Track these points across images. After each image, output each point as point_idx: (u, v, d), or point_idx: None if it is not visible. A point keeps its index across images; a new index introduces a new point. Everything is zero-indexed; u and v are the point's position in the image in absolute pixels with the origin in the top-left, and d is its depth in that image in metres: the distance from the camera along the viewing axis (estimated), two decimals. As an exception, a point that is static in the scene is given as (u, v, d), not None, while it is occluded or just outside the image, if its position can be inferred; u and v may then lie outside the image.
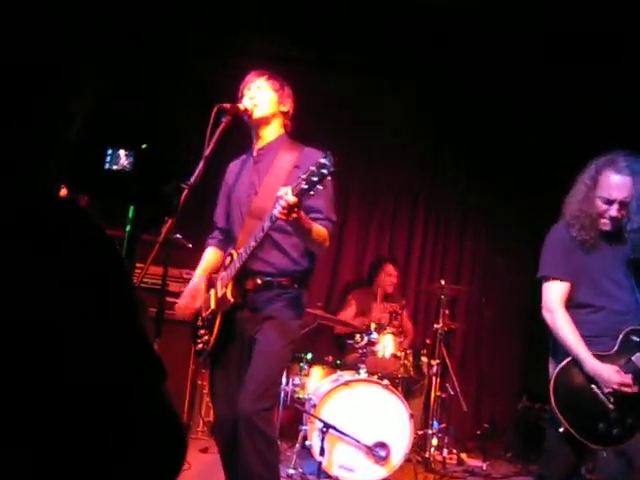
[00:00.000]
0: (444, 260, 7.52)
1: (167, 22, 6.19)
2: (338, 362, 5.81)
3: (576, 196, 3.31)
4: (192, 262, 3.77)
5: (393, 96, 7.21)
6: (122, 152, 2.36)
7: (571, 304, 3.26)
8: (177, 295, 5.74)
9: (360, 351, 5.50)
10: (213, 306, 3.37)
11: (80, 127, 1.22)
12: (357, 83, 7.11)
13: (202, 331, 3.41)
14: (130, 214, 2.42)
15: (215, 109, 3.22)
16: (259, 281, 3.29)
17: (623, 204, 3.20)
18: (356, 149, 7.30)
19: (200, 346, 3.41)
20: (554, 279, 3.27)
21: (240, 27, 6.47)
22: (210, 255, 3.66)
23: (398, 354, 5.65)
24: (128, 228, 2.39)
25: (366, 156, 7.37)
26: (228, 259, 3.37)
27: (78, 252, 1.05)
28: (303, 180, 2.79)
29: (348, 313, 6.52)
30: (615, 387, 3.06)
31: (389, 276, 6.65)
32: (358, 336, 5.61)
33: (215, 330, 3.32)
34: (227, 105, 3.28)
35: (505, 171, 7.40)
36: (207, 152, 3.16)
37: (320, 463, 4.88)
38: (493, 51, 6.44)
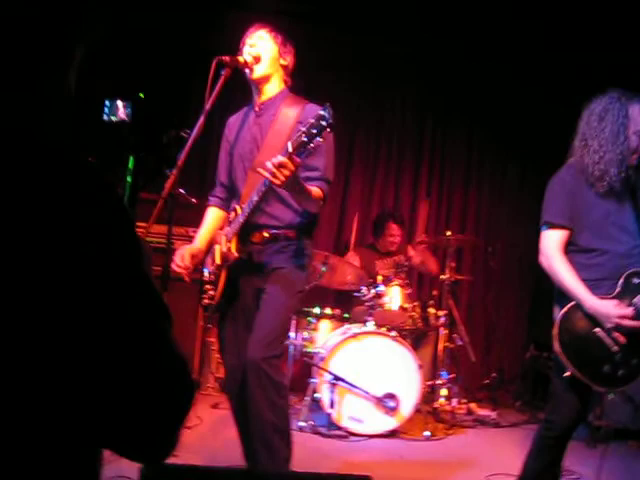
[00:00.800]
0: (449, 212, 7.48)
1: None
2: (346, 315, 5.83)
3: (610, 139, 3.14)
4: (196, 219, 3.75)
5: (396, 50, 7.14)
6: (120, 103, 2.33)
7: (575, 249, 3.19)
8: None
9: (367, 304, 5.52)
10: (218, 261, 3.37)
11: (77, 78, 1.21)
12: (360, 38, 7.03)
13: (208, 286, 3.41)
14: (130, 165, 2.41)
15: (214, 62, 3.18)
16: (266, 234, 3.30)
17: None
18: (360, 106, 7.27)
19: (206, 301, 3.42)
20: (554, 227, 3.20)
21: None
22: (211, 217, 3.63)
23: (405, 306, 5.66)
24: (129, 179, 2.37)
25: (369, 112, 7.32)
26: (232, 214, 3.36)
27: (82, 201, 1.05)
28: (303, 133, 2.78)
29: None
30: (616, 321, 3.00)
31: (391, 236, 6.54)
32: (365, 289, 5.61)
33: (220, 285, 3.34)
34: (227, 58, 3.23)
35: (509, 122, 7.34)
36: (207, 106, 3.12)
37: (330, 415, 4.94)
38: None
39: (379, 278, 5.63)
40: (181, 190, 4.06)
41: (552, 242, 3.18)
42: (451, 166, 7.51)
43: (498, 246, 7.15)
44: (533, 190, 7.48)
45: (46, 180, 1.02)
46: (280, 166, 2.80)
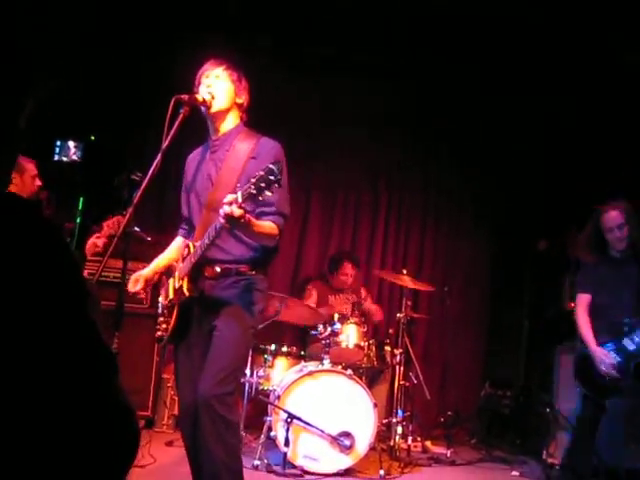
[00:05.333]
0: (406, 250, 7.53)
1: (127, 10, 6.11)
2: (302, 353, 5.82)
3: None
4: (152, 255, 3.75)
5: (353, 91, 7.25)
6: (71, 143, 2.33)
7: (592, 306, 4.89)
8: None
9: (323, 341, 5.52)
10: (171, 296, 3.37)
11: (28, 119, 1.21)
12: (319, 75, 7.12)
13: (161, 319, 3.43)
14: (80, 206, 2.41)
15: (173, 100, 3.20)
16: (218, 269, 3.30)
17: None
18: (318, 142, 7.31)
19: (159, 333, 3.44)
20: (579, 292, 4.95)
21: (199, 17, 6.42)
22: (174, 245, 3.68)
23: (361, 344, 5.66)
24: (78, 220, 2.37)
25: (328, 149, 7.36)
26: (186, 251, 3.37)
27: (23, 246, 1.04)
28: (252, 184, 2.81)
29: (309, 303, 6.51)
30: (597, 362, 4.66)
31: (344, 275, 6.63)
32: (321, 326, 5.62)
33: (173, 319, 3.34)
34: (185, 96, 3.26)
35: (466, 162, 7.46)
36: (165, 144, 3.13)
37: (285, 454, 4.90)
38: (461, 35, 6.45)
39: (335, 316, 5.63)
40: (136, 228, 4.06)
41: (579, 303, 4.91)
42: (408, 205, 7.57)
43: (454, 285, 7.22)
44: (489, 229, 7.60)
45: None
46: (229, 215, 2.85)
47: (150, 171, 3.07)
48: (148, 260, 5.30)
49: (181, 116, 3.21)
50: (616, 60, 6.23)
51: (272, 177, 2.78)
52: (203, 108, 3.38)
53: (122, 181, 2.71)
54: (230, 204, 2.84)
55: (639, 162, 6.51)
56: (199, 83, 3.42)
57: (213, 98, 3.36)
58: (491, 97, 7.17)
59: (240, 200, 2.84)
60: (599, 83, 6.48)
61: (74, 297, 1.09)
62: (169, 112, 3.15)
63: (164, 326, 3.39)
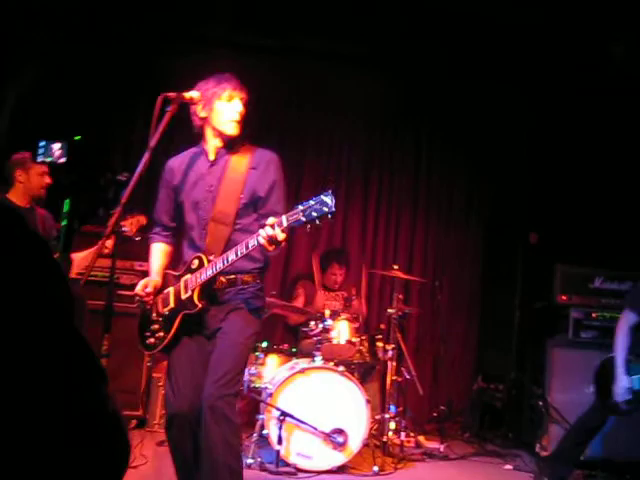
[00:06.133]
0: (396, 245, 7.48)
1: (113, 6, 6.04)
2: (294, 350, 5.80)
3: None
4: (141, 254, 3.73)
5: (343, 82, 7.20)
6: (55, 145, 2.30)
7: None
8: (129, 287, 5.70)
9: (315, 338, 5.50)
10: (172, 305, 3.34)
11: (10, 119, 1.18)
12: (309, 66, 7.08)
13: (156, 326, 3.38)
14: (66, 208, 2.37)
15: (160, 98, 3.18)
16: (223, 280, 3.33)
17: None
18: (306, 139, 7.28)
19: (152, 341, 3.39)
20: (629, 308, 4.71)
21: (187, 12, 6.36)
22: (161, 251, 3.64)
23: (353, 340, 5.64)
24: (64, 222, 2.34)
25: (316, 145, 7.34)
26: (196, 262, 3.33)
27: (2, 255, 1.01)
28: (301, 212, 2.81)
29: (298, 303, 6.50)
30: (615, 388, 4.62)
31: (333, 275, 6.63)
32: (313, 323, 5.60)
33: (173, 329, 3.32)
34: (172, 94, 3.24)
35: (456, 155, 7.45)
36: (153, 142, 3.12)
37: (278, 452, 4.89)
38: (451, 27, 6.42)
39: (327, 312, 5.61)
40: (124, 228, 4.03)
41: (624, 319, 4.71)
42: (398, 201, 7.52)
43: (445, 279, 7.20)
44: (480, 221, 7.58)
45: None
46: (273, 238, 2.88)
47: (137, 170, 3.05)
48: (135, 259, 5.31)
49: (168, 114, 3.20)
50: (609, 56, 6.23)
51: (326, 209, 2.77)
52: (193, 109, 3.40)
53: (108, 181, 2.69)
54: (273, 227, 2.85)
55: (623, 154, 6.54)
56: (217, 97, 3.37)
57: (236, 123, 3.38)
58: (480, 87, 7.16)
59: (285, 224, 2.85)
60: (589, 78, 6.48)
61: (57, 306, 1.06)
62: (156, 110, 3.13)
63: (161, 334, 3.37)
